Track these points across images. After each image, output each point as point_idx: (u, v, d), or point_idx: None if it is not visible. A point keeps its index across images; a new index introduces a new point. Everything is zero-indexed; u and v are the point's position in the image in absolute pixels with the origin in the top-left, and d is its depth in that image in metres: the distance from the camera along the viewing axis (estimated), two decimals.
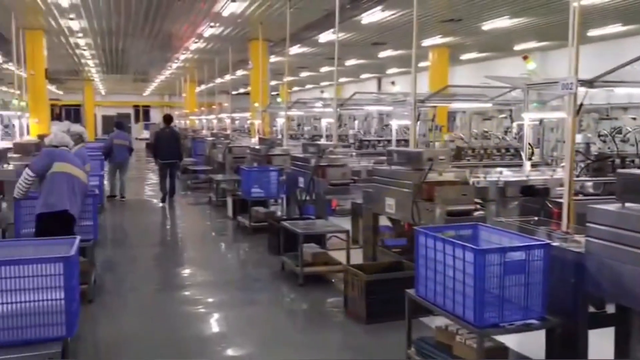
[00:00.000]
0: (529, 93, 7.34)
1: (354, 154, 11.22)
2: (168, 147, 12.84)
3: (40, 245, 3.92)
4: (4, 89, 27.81)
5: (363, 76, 31.12)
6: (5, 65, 18.19)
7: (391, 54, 21.35)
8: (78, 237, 3.81)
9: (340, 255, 7.01)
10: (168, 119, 13.69)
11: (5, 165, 6.71)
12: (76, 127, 7.35)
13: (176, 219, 12.23)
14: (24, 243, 4.06)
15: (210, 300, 6.49)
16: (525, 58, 18.31)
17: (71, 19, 15.24)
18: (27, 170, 5.73)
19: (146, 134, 37.34)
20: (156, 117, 47.44)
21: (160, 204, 13.07)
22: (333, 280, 6.84)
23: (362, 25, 15.58)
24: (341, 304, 5.85)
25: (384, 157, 8.64)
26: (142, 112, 48.53)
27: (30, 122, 16.02)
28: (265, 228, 8.80)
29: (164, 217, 12.44)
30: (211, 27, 16.40)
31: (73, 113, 39.14)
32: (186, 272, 7.78)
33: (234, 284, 7.16)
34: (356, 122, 16.59)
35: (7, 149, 7.63)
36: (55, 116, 25.91)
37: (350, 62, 24.02)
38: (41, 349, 3.33)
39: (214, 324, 5.74)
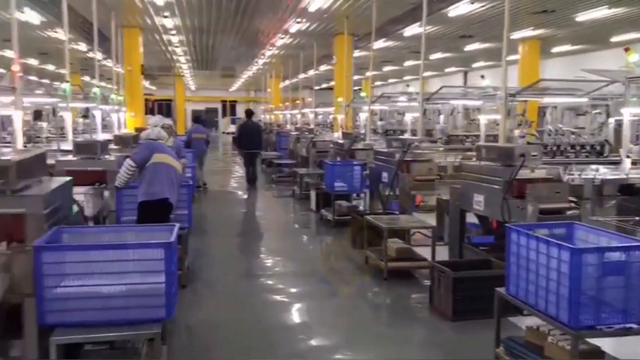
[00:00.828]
0: (630, 87, 6.96)
1: (441, 149, 11.01)
2: (250, 138, 14.15)
3: (141, 232, 4.15)
4: (103, 84, 29.50)
5: (448, 70, 30.50)
6: (104, 62, 19.26)
7: (479, 47, 20.81)
8: (177, 225, 4.01)
9: (424, 252, 6.96)
10: (249, 113, 15.02)
11: (106, 156, 7.12)
12: (167, 120, 7.68)
13: (260, 211, 12.54)
14: (127, 229, 4.32)
15: (293, 290, 6.63)
16: (627, 50, 17.31)
17: (165, 16, 15.92)
18: (128, 160, 6.06)
19: (232, 128, 38.42)
20: (242, 112, 48.68)
21: (245, 196, 13.54)
22: (417, 276, 6.81)
23: (449, 18, 15.29)
24: (426, 300, 5.81)
25: (472, 153, 8.47)
26: (229, 107, 49.93)
27: (126, 115, 16.94)
28: (348, 222, 8.86)
29: (249, 208, 12.80)
30: (297, 22, 16.63)
31: (165, 107, 40.88)
32: (270, 261, 7.98)
33: (317, 275, 7.28)
34: (441, 116, 16.32)
35: (108, 141, 8.10)
36: (149, 110, 27.14)
37: (436, 56, 23.61)
38: (143, 328, 3.53)
39: (298, 314, 5.86)
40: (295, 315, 5.85)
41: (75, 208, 4.73)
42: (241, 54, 25.60)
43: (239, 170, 17.80)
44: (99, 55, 14.25)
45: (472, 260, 6.07)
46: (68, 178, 4.55)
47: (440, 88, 11.55)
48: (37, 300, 3.45)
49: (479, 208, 6.03)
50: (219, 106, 50.06)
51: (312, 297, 6.39)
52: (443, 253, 6.86)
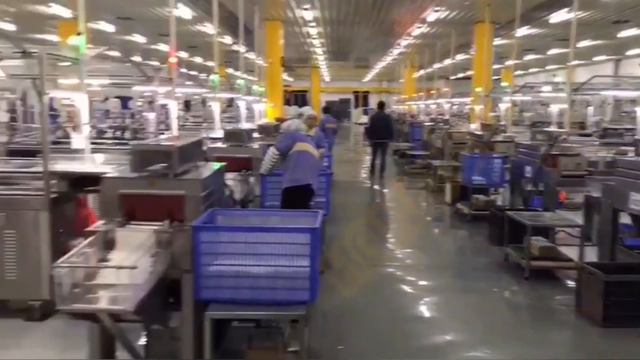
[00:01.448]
0: None
1: (596, 143, 10.18)
2: (381, 128, 14.61)
3: (286, 217, 4.31)
4: (244, 76, 30.99)
5: (596, 58, 28.36)
6: (245, 54, 20.21)
7: (636, 32, 19.10)
8: (321, 211, 4.12)
9: (569, 252, 6.56)
10: (381, 104, 15.73)
11: (252, 144, 7.48)
12: (310, 111, 7.91)
13: (391, 202, 12.52)
14: (273, 213, 4.51)
15: (426, 282, 6.57)
16: None
17: (305, 9, 16.33)
18: (272, 149, 6.33)
19: (364, 119, 38.65)
20: (374, 102, 48.86)
21: (375, 186, 13.58)
22: (561, 277, 6.44)
23: (601, 3, 14.20)
24: (571, 303, 5.49)
25: (627, 148, 7.82)
26: (362, 98, 50.26)
27: (266, 106, 17.65)
28: (485, 217, 8.58)
29: (379, 198, 12.82)
30: (436, 11, 16.29)
31: (300, 98, 42.06)
32: (401, 252, 7.95)
33: (450, 269, 7.14)
34: (589, 108, 15.22)
35: (252, 130, 8.49)
36: (286, 101, 28.12)
37: (584, 44, 22.04)
38: (288, 310, 3.69)
39: (432, 307, 5.79)
40: (429, 308, 5.78)
41: (226, 192, 5.03)
42: (376, 44, 25.62)
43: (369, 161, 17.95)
44: (242, 48, 15.03)
45: (626, 263, 5.61)
46: (221, 164, 4.83)
47: (592, 78, 10.76)
48: (194, 276, 3.71)
49: (636, 208, 5.55)
50: (352, 97, 50.54)
51: (446, 291, 6.28)
52: (591, 254, 6.42)
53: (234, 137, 7.27)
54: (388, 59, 31.65)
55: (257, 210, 5.28)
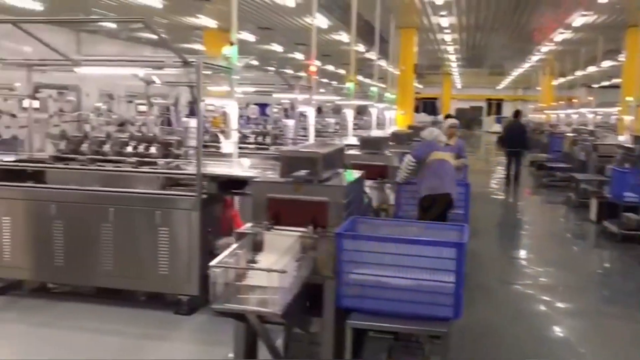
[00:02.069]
0: None
1: None
2: (515, 137, 14.49)
3: (429, 229, 4.21)
4: (373, 83, 31.16)
5: None
6: (377, 62, 20.28)
7: None
8: (466, 225, 3.98)
9: None
10: (517, 113, 15.66)
11: (386, 152, 7.44)
12: (451, 120, 7.73)
13: (527, 215, 11.89)
14: (415, 224, 4.42)
15: (568, 305, 6.14)
16: None
17: (442, 15, 16.06)
18: (408, 156, 6.25)
19: (497, 127, 37.25)
20: (508, 110, 46.92)
21: (510, 199, 12.98)
22: None
23: None
24: None
25: None
26: (495, 106, 48.50)
27: (397, 113, 17.58)
28: (637, 237, 7.87)
29: (515, 211, 12.24)
30: (583, 15, 15.30)
31: (430, 106, 41.43)
32: (539, 271, 7.49)
33: (596, 292, 6.63)
34: None
35: (386, 138, 8.44)
36: (415, 108, 27.81)
37: None
38: (430, 325, 3.59)
39: (579, 332, 5.39)
40: (574, 332, 5.39)
41: (366, 199, 5.03)
42: (512, 51, 24.60)
43: (502, 172, 17.26)
44: (374, 56, 15.10)
45: None
46: (360, 171, 4.84)
47: None
48: (337, 283, 3.73)
49: None
50: (484, 104, 48.91)
51: (591, 315, 5.83)
52: None
53: (370, 144, 7.27)
54: (525, 65, 30.25)
55: (398, 220, 5.22)
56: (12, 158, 6.07)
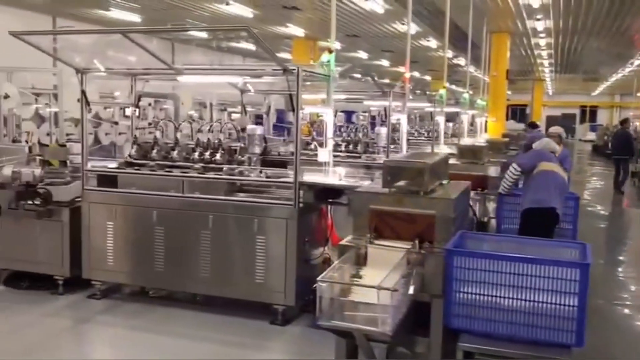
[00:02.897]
0: None
1: None
2: (620, 145, 14.93)
3: (544, 246, 3.91)
4: (459, 89, 30.36)
5: None
6: (465, 68, 19.68)
7: None
8: (588, 245, 3.64)
9: None
10: (625, 121, 16.17)
11: (485, 162, 7.10)
12: (556, 128, 7.27)
13: (635, 229, 11.04)
14: (527, 241, 4.09)
15: None
16: None
17: (537, 19, 15.37)
18: (514, 165, 5.89)
19: (591, 136, 35.35)
20: (603, 118, 44.42)
21: (612, 211, 12.15)
22: None
23: None
24: None
25: None
26: (589, 113, 46.10)
27: (488, 120, 16.96)
28: None
29: (620, 224, 11.40)
30: None
31: (519, 112, 39.93)
32: None
33: None
34: None
35: (485, 147, 8.06)
36: None
37: None
38: (550, 352, 3.30)
39: None
40: None
41: (470, 213, 4.77)
42: (610, 56, 23.20)
43: (599, 182, 16.60)
44: (462, 61, 14.62)
45: None
46: (466, 183, 4.59)
47: None
48: (445, 302, 3.51)
49: None
50: (577, 112, 46.60)
51: None
52: None
53: (469, 153, 6.96)
54: (625, 70, 28.48)
55: (509, 236, 4.90)
56: (114, 165, 6.26)
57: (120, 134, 13.33)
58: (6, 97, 8.16)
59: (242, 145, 5.66)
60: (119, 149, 12.82)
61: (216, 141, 5.68)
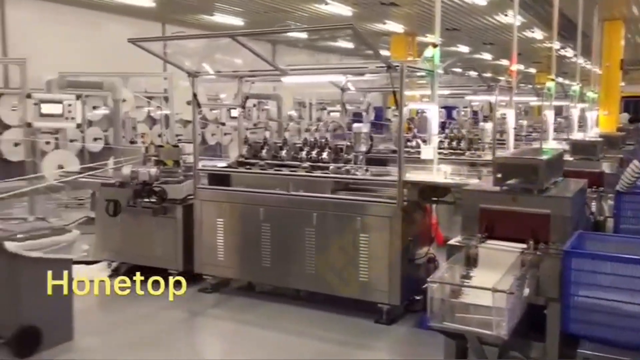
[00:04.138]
0: None
1: None
2: None
3: None
4: (566, 81, 28.80)
5: None
6: (573, 59, 18.65)
7: None
8: None
9: None
10: None
11: (600, 158, 6.69)
12: None
13: None
14: None
15: None
16: None
17: None
18: (635, 162, 5.49)
19: None
20: None
21: None
22: None
23: None
24: None
25: None
26: None
27: (600, 114, 15.96)
28: None
29: None
30: None
31: (632, 105, 37.22)
32: None
33: None
34: None
35: (601, 142, 7.56)
36: None
37: None
38: None
39: None
40: None
41: (587, 211, 4.50)
42: None
43: None
44: (570, 52, 13.83)
45: None
46: (582, 180, 4.35)
47: None
48: (562, 306, 3.34)
49: None
50: None
51: None
52: None
53: (583, 149, 6.58)
54: None
55: (634, 237, 4.58)
56: (223, 164, 6.51)
57: (225, 134, 13.88)
58: (123, 101, 8.70)
59: (349, 143, 5.65)
60: (224, 149, 13.35)
61: (323, 140, 5.72)
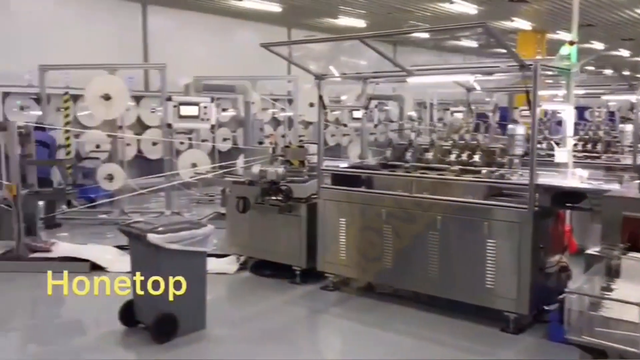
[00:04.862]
0: None
1: None
2: None
3: None
4: None
5: None
6: None
7: None
8: None
9: None
10: None
11: None
12: None
13: None
14: None
15: None
16: None
17: None
18: None
19: None
20: None
21: None
22: None
23: None
24: None
25: None
26: None
27: None
28: None
29: None
30: None
31: None
32: None
33: None
34: None
35: None
36: None
37: None
38: None
39: None
40: None
41: None
42: None
43: None
44: None
45: None
46: None
47: None
48: None
49: None
50: None
51: None
52: None
53: None
54: None
55: None
56: (345, 164, 6.59)
57: (344, 135, 14.05)
58: (252, 103, 9.09)
59: (502, 146, 5.41)
60: (344, 150, 13.51)
61: (474, 142, 5.55)
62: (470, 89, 7.32)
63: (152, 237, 4.47)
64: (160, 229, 4.57)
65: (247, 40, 15.26)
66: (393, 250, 5.45)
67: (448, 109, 13.47)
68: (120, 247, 6.88)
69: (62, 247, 6.95)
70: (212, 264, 5.76)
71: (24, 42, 11.23)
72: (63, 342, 4.82)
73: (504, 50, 4.78)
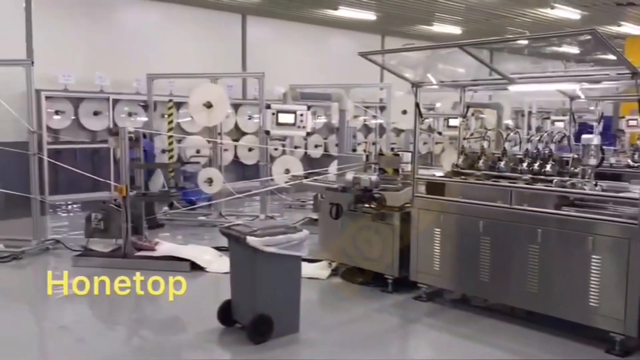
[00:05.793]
0: None
1: None
2: None
3: None
4: None
5: None
6: None
7: None
8: None
9: None
10: None
11: None
12: None
13: None
14: None
15: None
16: None
17: None
18: None
19: None
20: None
21: None
22: None
23: None
24: None
25: None
26: None
27: None
28: None
29: None
30: None
31: None
32: None
33: None
34: None
35: None
36: None
37: None
38: None
39: None
40: None
41: None
42: None
43: None
44: None
45: None
46: None
47: None
48: None
49: None
50: None
51: None
52: None
53: None
54: None
55: None
56: (440, 173, 6.50)
57: (437, 143, 13.84)
58: (346, 111, 9.15)
59: (576, 155, 5.26)
60: (436, 158, 13.30)
61: (546, 151, 5.40)
62: (573, 98, 7.01)
63: (250, 240, 4.62)
64: (258, 232, 4.71)
65: (341, 48, 15.44)
66: (490, 263, 5.30)
67: (548, 118, 12.92)
68: (218, 248, 7.16)
69: (165, 246, 7.31)
70: (305, 269, 5.84)
71: (133, 52, 11.96)
72: (165, 338, 5.07)
73: (611, 57, 4.55)
